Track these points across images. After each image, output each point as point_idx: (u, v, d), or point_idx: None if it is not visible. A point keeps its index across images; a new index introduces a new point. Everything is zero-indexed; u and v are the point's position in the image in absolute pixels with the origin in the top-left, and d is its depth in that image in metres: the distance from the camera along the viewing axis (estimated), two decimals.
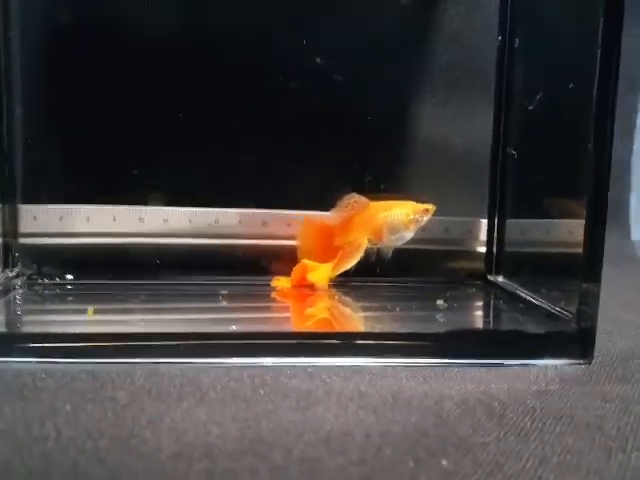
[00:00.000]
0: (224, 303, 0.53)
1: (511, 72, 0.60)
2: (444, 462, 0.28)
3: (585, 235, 0.43)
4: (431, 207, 0.58)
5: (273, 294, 0.57)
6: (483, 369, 0.43)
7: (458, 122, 0.63)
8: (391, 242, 0.57)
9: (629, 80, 0.91)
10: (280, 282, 0.58)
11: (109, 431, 0.29)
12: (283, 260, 0.60)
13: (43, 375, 0.37)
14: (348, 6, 0.61)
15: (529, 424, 0.33)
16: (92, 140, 0.58)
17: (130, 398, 0.34)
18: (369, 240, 0.58)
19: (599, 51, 0.42)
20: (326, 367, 0.41)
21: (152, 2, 0.58)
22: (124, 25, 0.58)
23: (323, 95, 0.61)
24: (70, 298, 0.54)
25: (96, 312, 0.48)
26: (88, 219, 0.58)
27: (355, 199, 0.57)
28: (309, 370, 0.40)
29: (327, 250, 0.58)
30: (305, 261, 0.57)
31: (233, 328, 0.44)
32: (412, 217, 0.57)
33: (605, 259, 0.43)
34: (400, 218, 0.57)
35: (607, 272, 0.43)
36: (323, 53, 0.59)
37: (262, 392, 0.36)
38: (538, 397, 0.38)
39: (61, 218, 0.58)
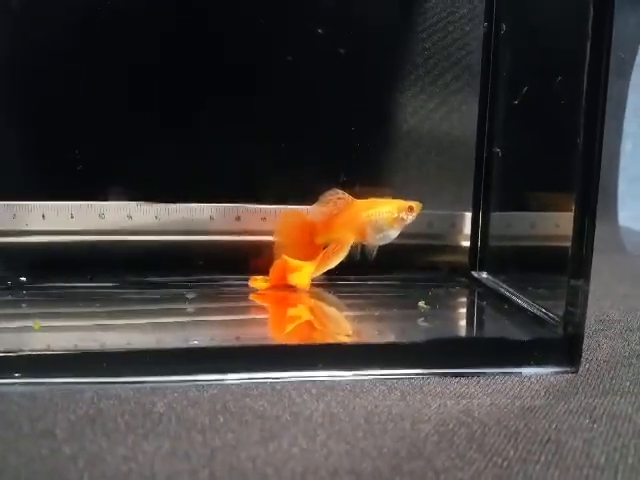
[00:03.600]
0: (190, 309, 0.49)
1: (497, 61, 0.56)
2: None
3: (574, 230, 0.40)
4: (416, 205, 0.55)
5: (250, 296, 0.53)
6: (464, 380, 0.40)
7: (442, 113, 0.59)
8: (375, 241, 0.54)
9: (619, 63, 0.87)
10: (257, 282, 0.54)
11: (40, 476, 0.26)
12: (259, 258, 0.56)
13: None
14: None
15: (512, 452, 0.31)
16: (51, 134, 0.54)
17: (70, 432, 0.30)
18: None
19: (589, 41, 0.39)
20: (297, 383, 0.38)
21: None
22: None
23: (302, 86, 0.57)
24: (24, 305, 0.50)
25: (48, 319, 0.44)
26: (44, 216, 0.54)
27: (338, 195, 0.54)
28: (278, 388, 0.37)
29: (307, 247, 0.55)
30: (285, 258, 0.53)
31: (195, 342, 0.40)
32: (397, 215, 0.54)
33: None
34: (385, 217, 0.54)
35: (593, 263, 0.41)
36: (301, 42, 0.55)
37: (222, 420, 0.32)
38: (522, 416, 0.35)
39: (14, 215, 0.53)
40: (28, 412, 0.32)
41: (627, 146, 1.05)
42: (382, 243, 0.55)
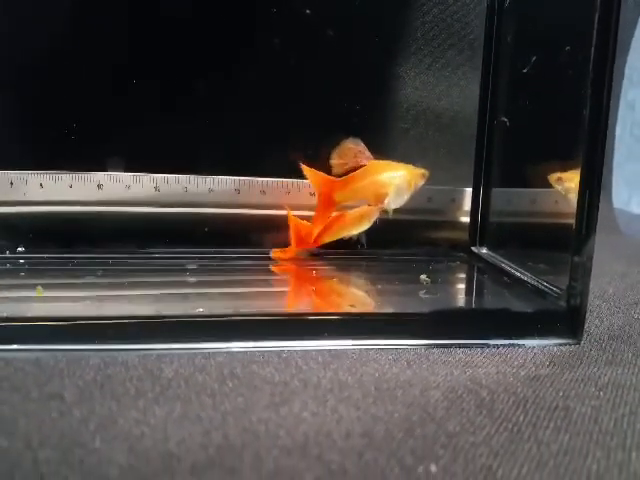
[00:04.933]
0: (191, 279, 0.49)
1: (500, 34, 0.56)
2: (433, 468, 0.26)
3: (578, 206, 0.40)
4: (426, 172, 0.54)
5: (270, 267, 0.53)
6: (468, 350, 0.40)
7: (443, 87, 0.59)
8: (394, 205, 0.53)
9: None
10: (279, 253, 0.54)
11: (51, 439, 0.26)
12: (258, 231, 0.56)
13: None
14: None
15: (521, 418, 0.31)
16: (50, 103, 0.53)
17: (79, 396, 0.30)
18: (368, 202, 0.53)
19: (597, 10, 0.38)
20: (302, 352, 0.38)
21: None
22: None
23: (304, 56, 0.56)
24: (22, 273, 0.49)
25: (48, 289, 0.44)
26: (42, 185, 0.53)
27: (359, 148, 0.51)
28: (284, 356, 0.37)
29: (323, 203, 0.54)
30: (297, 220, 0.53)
31: (200, 310, 0.40)
32: (414, 180, 0.53)
33: None
34: (406, 179, 0.52)
35: None
36: (303, 12, 0.54)
37: (230, 385, 0.32)
38: (529, 384, 0.35)
39: (12, 185, 0.52)
40: (34, 377, 0.32)
41: (616, 130, 1.05)
42: (396, 207, 0.53)
